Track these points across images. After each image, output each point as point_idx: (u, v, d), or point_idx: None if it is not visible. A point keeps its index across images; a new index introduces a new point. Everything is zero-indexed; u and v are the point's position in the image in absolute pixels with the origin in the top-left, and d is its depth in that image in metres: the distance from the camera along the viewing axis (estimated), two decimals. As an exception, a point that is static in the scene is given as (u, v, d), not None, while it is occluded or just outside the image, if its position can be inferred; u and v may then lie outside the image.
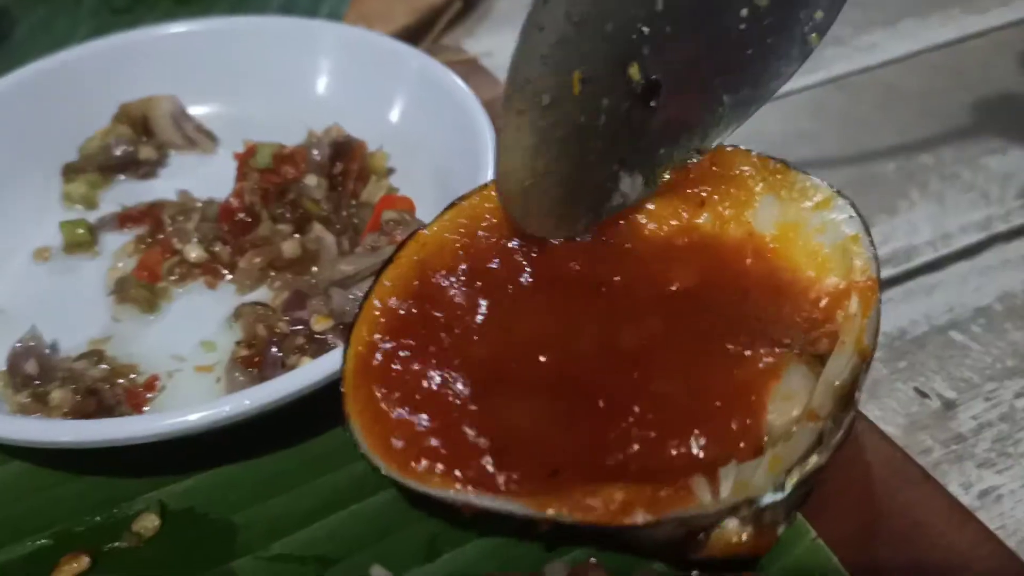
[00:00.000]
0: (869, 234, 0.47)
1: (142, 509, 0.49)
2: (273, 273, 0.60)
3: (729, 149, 0.50)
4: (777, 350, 0.44)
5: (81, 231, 0.64)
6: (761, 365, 0.44)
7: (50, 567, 0.46)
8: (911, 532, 0.44)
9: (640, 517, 0.39)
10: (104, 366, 0.55)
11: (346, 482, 0.50)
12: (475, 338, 0.46)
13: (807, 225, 0.48)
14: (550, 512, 0.40)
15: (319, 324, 0.54)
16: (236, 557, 0.47)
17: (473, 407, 0.44)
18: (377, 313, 0.46)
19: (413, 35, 0.84)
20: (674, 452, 0.41)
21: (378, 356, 0.45)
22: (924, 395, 0.57)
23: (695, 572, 0.40)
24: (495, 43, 0.90)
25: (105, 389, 0.53)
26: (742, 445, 0.41)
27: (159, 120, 0.71)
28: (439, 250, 0.48)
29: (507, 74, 0.44)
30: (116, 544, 0.47)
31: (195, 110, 0.74)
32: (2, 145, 0.67)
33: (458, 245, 0.48)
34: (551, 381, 0.44)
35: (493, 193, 0.49)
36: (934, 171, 0.73)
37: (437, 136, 0.66)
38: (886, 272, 0.64)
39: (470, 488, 0.41)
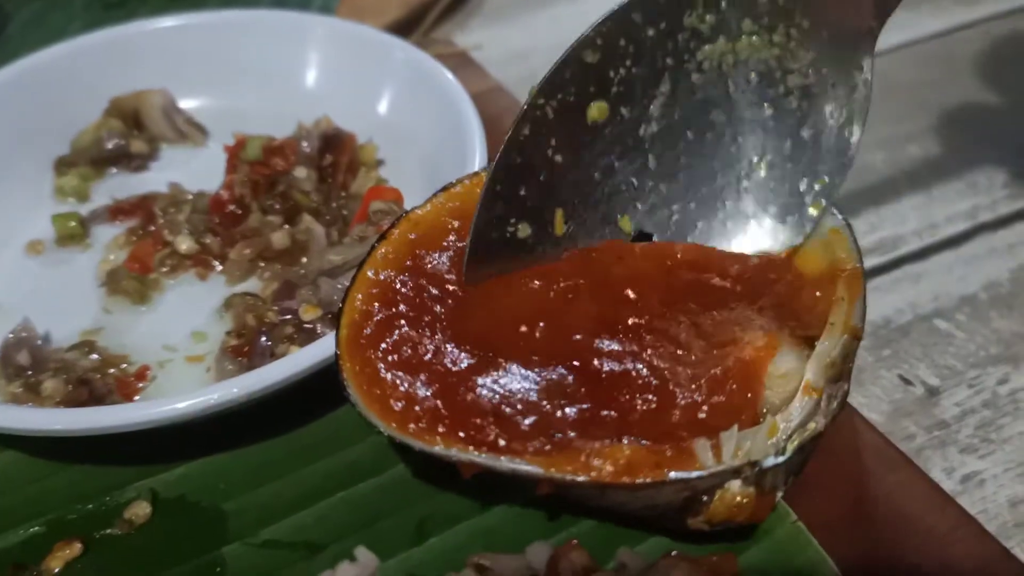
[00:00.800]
0: (850, 228, 0.49)
1: (133, 497, 0.50)
2: (263, 264, 0.61)
3: None
4: (766, 332, 0.45)
5: (73, 224, 0.65)
6: (754, 346, 0.45)
7: (44, 553, 0.47)
8: (891, 516, 0.45)
9: (645, 476, 0.40)
10: (95, 356, 0.55)
11: (334, 470, 0.51)
12: (469, 310, 0.46)
13: None
14: (553, 472, 0.41)
15: (308, 313, 0.54)
16: (226, 543, 0.48)
17: (470, 372, 0.45)
18: (371, 283, 0.47)
19: (404, 28, 0.85)
20: (674, 419, 0.43)
21: (372, 323, 0.46)
22: (908, 382, 0.58)
23: (674, 552, 0.40)
24: (485, 36, 0.91)
25: (96, 379, 0.54)
26: (742, 417, 0.43)
27: (150, 114, 0.72)
28: (431, 229, 0.48)
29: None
30: (108, 531, 0.48)
31: (186, 103, 0.75)
32: (-4, 138, 0.68)
33: (450, 226, 0.49)
34: (547, 351, 0.45)
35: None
36: (922, 161, 0.74)
37: (425, 128, 0.66)
38: (873, 261, 0.65)
39: (472, 447, 0.42)
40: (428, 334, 0.46)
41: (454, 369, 0.45)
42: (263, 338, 0.54)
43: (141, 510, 0.49)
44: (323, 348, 0.48)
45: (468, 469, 0.43)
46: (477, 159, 0.59)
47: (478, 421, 0.43)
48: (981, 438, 0.54)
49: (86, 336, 0.58)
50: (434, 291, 0.47)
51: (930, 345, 0.60)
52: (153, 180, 0.70)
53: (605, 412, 0.43)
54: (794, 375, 0.44)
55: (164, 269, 0.62)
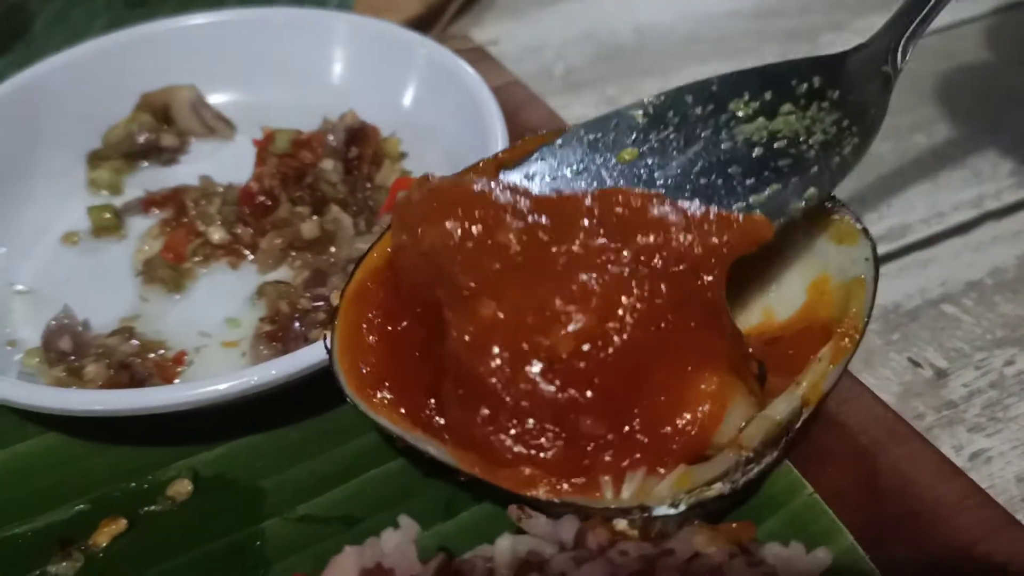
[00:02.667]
0: (876, 281, 0.48)
1: (175, 476, 0.52)
2: (293, 253, 0.63)
3: None
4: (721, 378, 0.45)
5: (108, 215, 0.67)
6: (709, 387, 0.44)
7: (90, 529, 0.49)
8: (903, 487, 0.47)
9: (541, 493, 0.43)
10: (135, 342, 0.57)
11: (365, 449, 0.52)
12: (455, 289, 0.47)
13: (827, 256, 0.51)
14: (464, 467, 0.44)
15: (339, 299, 0.56)
16: (265, 519, 0.50)
17: (431, 353, 0.46)
18: (387, 245, 0.49)
19: (421, 24, 0.87)
20: (601, 441, 0.44)
21: (371, 284, 0.48)
22: (917, 364, 0.60)
23: (696, 521, 0.42)
24: (500, 32, 0.93)
25: (137, 363, 0.56)
26: (679, 453, 0.44)
27: (179, 109, 0.74)
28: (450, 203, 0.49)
29: None
30: (152, 508, 0.50)
31: (213, 99, 0.77)
32: (30, 134, 0.70)
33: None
34: (517, 347, 0.45)
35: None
36: (928, 151, 0.76)
37: (447, 121, 0.68)
38: (882, 248, 0.67)
39: (406, 425, 0.45)
40: (409, 304, 0.48)
41: (418, 344, 0.47)
42: (296, 323, 0.56)
43: (183, 488, 0.51)
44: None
45: (401, 442, 0.46)
46: (499, 149, 0.60)
47: (419, 401, 0.46)
48: (988, 417, 0.56)
49: (125, 323, 0.60)
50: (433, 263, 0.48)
51: (938, 329, 0.62)
52: (183, 173, 0.72)
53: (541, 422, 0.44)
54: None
55: (197, 259, 0.64)
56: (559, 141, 0.53)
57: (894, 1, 0.94)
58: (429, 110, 0.71)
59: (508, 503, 0.46)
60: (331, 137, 0.67)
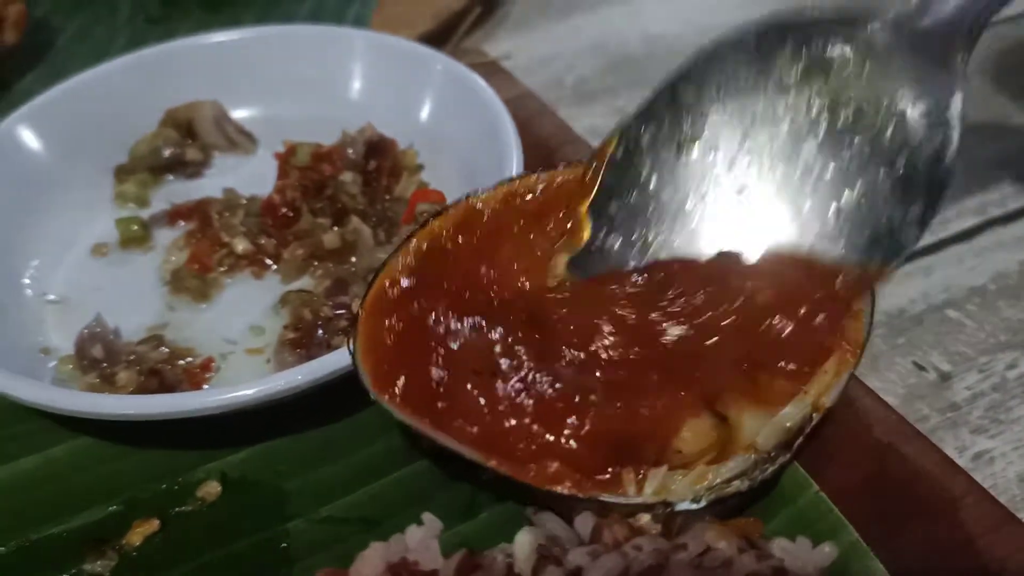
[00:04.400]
0: (874, 301, 0.49)
1: (204, 478, 0.53)
2: (315, 263, 0.65)
3: None
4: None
5: (136, 227, 0.69)
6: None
7: (123, 529, 0.51)
8: (906, 484, 0.48)
9: (567, 488, 0.45)
10: (164, 349, 0.59)
11: (386, 452, 0.54)
12: (480, 297, 0.50)
13: None
14: (492, 463, 0.46)
15: (360, 307, 0.58)
16: (290, 519, 0.51)
17: (453, 356, 0.48)
18: (411, 252, 0.51)
19: (434, 39, 0.88)
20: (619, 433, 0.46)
21: (396, 290, 0.50)
22: (922, 368, 0.61)
23: (707, 517, 0.44)
24: (513, 46, 0.95)
25: (167, 370, 0.57)
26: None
27: (203, 123, 0.76)
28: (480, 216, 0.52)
29: None
30: (182, 508, 0.52)
31: (236, 114, 0.78)
32: (58, 149, 0.72)
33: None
34: (530, 349, 0.49)
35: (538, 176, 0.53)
36: (932, 160, 0.77)
37: (463, 134, 0.70)
38: (886, 255, 0.69)
39: (428, 423, 0.47)
40: (433, 311, 0.49)
41: (440, 347, 0.49)
42: (319, 330, 0.58)
43: (212, 489, 0.53)
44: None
45: (426, 442, 0.48)
46: (514, 163, 0.62)
47: (439, 403, 0.48)
48: (991, 419, 0.58)
49: (153, 331, 0.62)
50: (461, 272, 0.51)
51: (942, 333, 0.63)
52: (207, 186, 0.74)
53: (558, 420, 0.47)
54: (703, 438, 0.47)
55: (222, 268, 0.66)
56: (618, 154, 0.51)
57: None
58: (445, 123, 0.72)
59: (527, 504, 0.48)
60: (350, 150, 0.69)
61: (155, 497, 0.53)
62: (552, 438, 0.46)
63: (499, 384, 0.48)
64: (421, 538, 0.42)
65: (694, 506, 0.44)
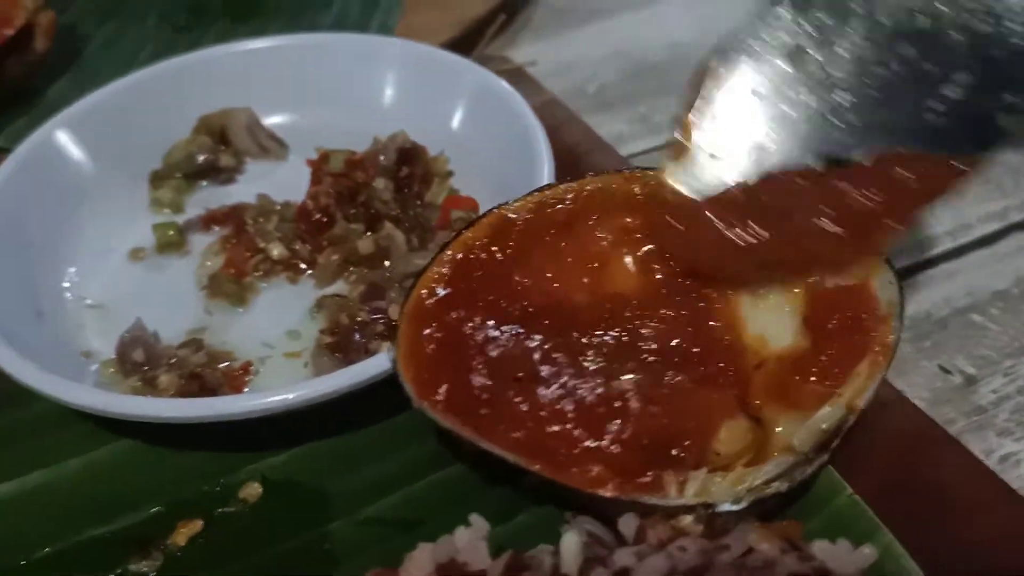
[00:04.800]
0: (903, 300, 0.50)
1: (246, 479, 0.54)
2: (350, 268, 0.65)
3: None
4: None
5: (172, 232, 0.70)
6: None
7: (168, 530, 0.52)
8: (938, 487, 0.49)
9: (610, 491, 0.46)
10: (204, 353, 0.60)
11: (425, 455, 0.55)
12: (516, 304, 0.52)
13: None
14: (536, 467, 0.47)
15: (397, 312, 0.59)
16: (331, 521, 0.52)
17: (493, 362, 0.50)
18: (447, 262, 0.52)
19: (458, 47, 0.89)
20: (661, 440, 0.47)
21: (433, 299, 0.51)
22: (947, 371, 0.62)
23: (749, 519, 0.45)
24: (535, 52, 0.96)
25: (208, 373, 0.58)
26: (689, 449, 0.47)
27: (236, 130, 0.76)
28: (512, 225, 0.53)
29: None
30: (225, 509, 0.53)
31: (268, 121, 0.79)
32: (96, 156, 0.73)
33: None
34: (568, 354, 0.50)
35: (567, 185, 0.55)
36: (953, 166, 0.78)
37: (493, 141, 0.71)
38: (910, 260, 0.70)
39: (471, 430, 0.48)
40: (471, 319, 0.51)
41: (480, 355, 0.50)
42: (357, 335, 0.59)
43: (254, 491, 0.54)
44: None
45: (471, 447, 0.48)
46: (545, 171, 0.63)
47: (483, 409, 0.48)
48: (1016, 422, 0.58)
49: (192, 335, 0.63)
50: (496, 281, 0.52)
51: (967, 337, 0.64)
52: (240, 192, 0.75)
53: (598, 424, 0.48)
54: (740, 439, 0.48)
55: (258, 273, 0.67)
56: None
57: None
58: (476, 131, 0.73)
59: (567, 507, 0.48)
60: (382, 156, 0.69)
61: (198, 498, 0.54)
62: (594, 442, 0.47)
63: (540, 389, 0.49)
64: (469, 539, 0.43)
65: (735, 507, 0.45)
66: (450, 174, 0.73)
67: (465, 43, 0.91)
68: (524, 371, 0.50)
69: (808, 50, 0.50)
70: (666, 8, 1.04)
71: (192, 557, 0.51)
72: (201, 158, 0.75)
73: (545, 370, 0.50)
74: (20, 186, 0.68)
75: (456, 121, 0.75)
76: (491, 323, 0.51)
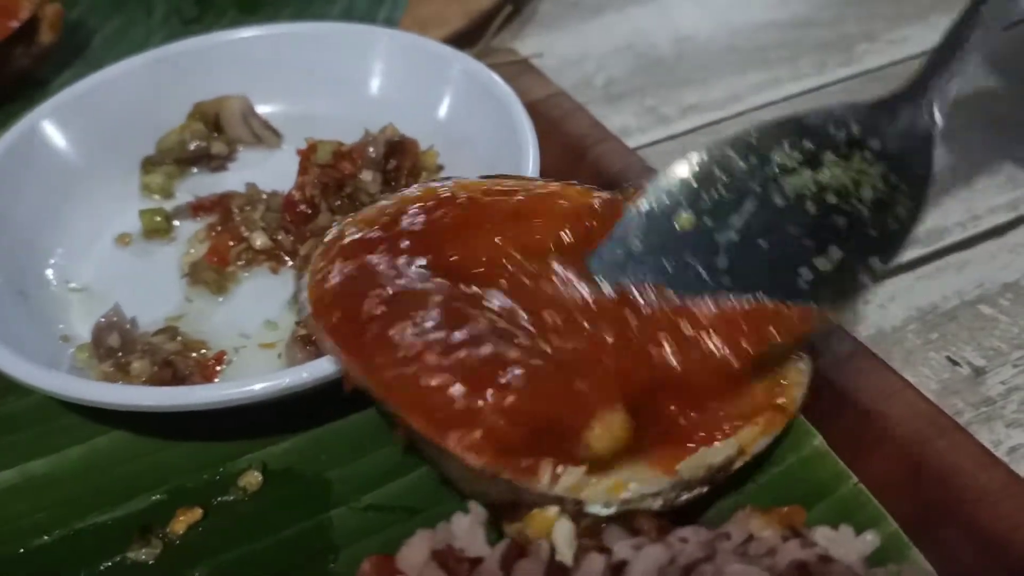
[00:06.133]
0: (810, 376, 0.52)
1: (245, 468, 0.55)
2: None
3: None
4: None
5: (159, 219, 0.70)
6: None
7: (168, 518, 0.52)
8: (944, 476, 0.49)
9: (482, 462, 0.44)
10: (179, 340, 0.61)
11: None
12: (434, 262, 0.51)
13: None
14: (413, 421, 0.45)
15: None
16: (332, 508, 0.53)
17: (392, 298, 0.49)
18: (379, 210, 0.54)
19: (465, 39, 0.90)
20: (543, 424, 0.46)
21: (354, 239, 0.52)
22: (955, 363, 0.62)
23: (748, 507, 0.45)
24: (542, 44, 0.96)
25: (180, 361, 0.59)
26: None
27: (230, 118, 0.77)
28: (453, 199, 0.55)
29: None
30: (225, 498, 0.54)
31: (262, 109, 0.80)
32: (88, 140, 0.74)
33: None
34: (462, 314, 0.48)
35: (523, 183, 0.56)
36: (963, 157, 0.78)
37: (481, 133, 0.71)
38: (920, 251, 0.70)
39: (350, 358, 0.48)
40: (384, 264, 0.51)
41: (380, 289, 0.49)
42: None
43: (253, 479, 0.54)
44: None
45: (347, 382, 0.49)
46: (531, 164, 0.64)
47: (365, 335, 0.48)
48: (1025, 413, 0.59)
49: (170, 322, 0.63)
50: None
51: (976, 328, 0.64)
52: (231, 180, 0.75)
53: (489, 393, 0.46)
54: (614, 435, 0.47)
55: (240, 262, 0.67)
56: (643, 206, 0.54)
57: (930, 12, 0.97)
58: (464, 122, 0.74)
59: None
60: (371, 149, 0.70)
61: (198, 487, 0.54)
62: (470, 401, 0.45)
63: (430, 334, 0.47)
64: (468, 526, 0.43)
65: (604, 511, 0.45)
66: (440, 168, 0.73)
67: (472, 35, 0.92)
68: (420, 313, 0.48)
69: (704, 218, 0.53)
70: (675, 2, 1.04)
71: (191, 545, 0.51)
72: (193, 145, 0.76)
73: (436, 319, 0.48)
74: (7, 169, 0.69)
75: (444, 112, 0.76)
76: (401, 265, 0.51)
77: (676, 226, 0.53)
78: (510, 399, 0.45)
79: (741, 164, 0.54)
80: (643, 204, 0.54)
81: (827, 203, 0.53)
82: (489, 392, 0.45)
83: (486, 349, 0.46)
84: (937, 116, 0.54)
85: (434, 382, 0.45)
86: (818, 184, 0.54)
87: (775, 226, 0.53)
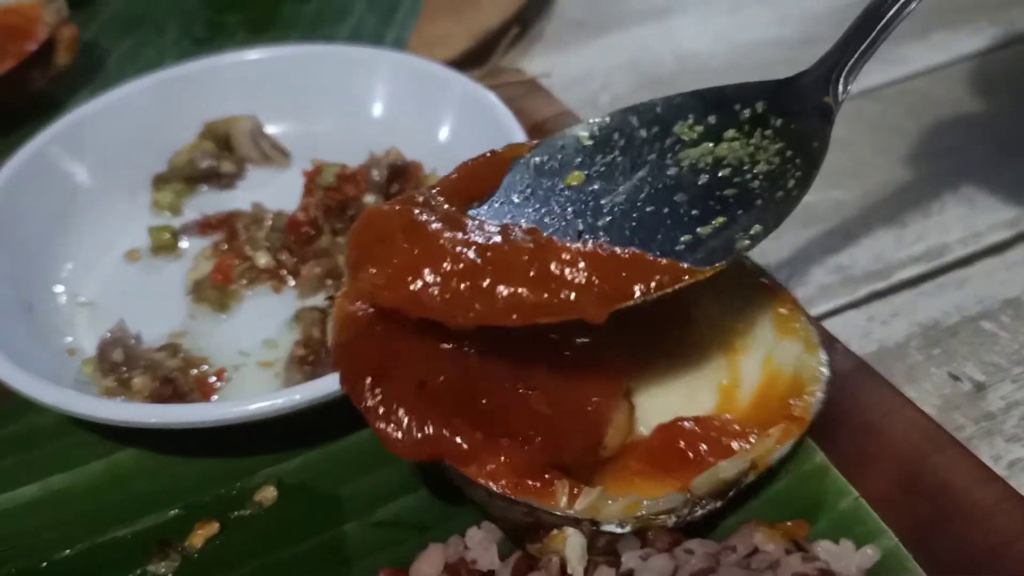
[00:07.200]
0: (826, 389, 0.52)
1: (261, 483, 0.57)
2: (330, 282, 0.68)
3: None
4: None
5: (167, 236, 0.73)
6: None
7: (186, 532, 0.54)
8: (942, 490, 0.51)
9: (498, 487, 0.46)
10: (181, 357, 0.63)
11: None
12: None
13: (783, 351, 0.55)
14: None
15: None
16: (345, 522, 0.54)
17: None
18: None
19: (473, 59, 0.92)
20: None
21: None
22: (956, 378, 0.63)
23: (753, 520, 0.46)
24: (549, 64, 0.98)
25: (180, 378, 0.61)
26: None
27: (239, 137, 0.79)
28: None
29: None
30: (241, 512, 0.55)
31: (271, 129, 0.83)
32: (99, 158, 0.76)
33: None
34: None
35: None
36: (964, 175, 0.80)
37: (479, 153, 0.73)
38: (921, 268, 0.72)
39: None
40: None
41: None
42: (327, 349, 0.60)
43: (269, 494, 0.56)
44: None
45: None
46: None
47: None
48: (1025, 428, 0.60)
49: (173, 338, 0.65)
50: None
51: (976, 344, 0.66)
52: (239, 198, 0.78)
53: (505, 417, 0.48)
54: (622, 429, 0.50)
55: (243, 281, 0.69)
56: (532, 160, 0.55)
57: (929, 31, 0.98)
58: (464, 144, 0.74)
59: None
60: (375, 172, 0.72)
61: (215, 501, 0.56)
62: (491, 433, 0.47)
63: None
64: (480, 539, 0.45)
65: (619, 530, 0.47)
66: (441, 192, 0.74)
67: (479, 55, 0.94)
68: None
69: (594, 178, 0.54)
70: (678, 21, 1.06)
71: (209, 558, 0.53)
72: (203, 163, 0.78)
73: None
74: (20, 187, 0.71)
75: (445, 134, 0.78)
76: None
77: (562, 184, 0.54)
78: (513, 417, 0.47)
79: (642, 132, 0.55)
80: (534, 158, 0.55)
81: (720, 176, 0.53)
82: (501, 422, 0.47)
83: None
84: (841, 96, 0.55)
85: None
86: (715, 157, 0.54)
87: (663, 194, 0.53)
